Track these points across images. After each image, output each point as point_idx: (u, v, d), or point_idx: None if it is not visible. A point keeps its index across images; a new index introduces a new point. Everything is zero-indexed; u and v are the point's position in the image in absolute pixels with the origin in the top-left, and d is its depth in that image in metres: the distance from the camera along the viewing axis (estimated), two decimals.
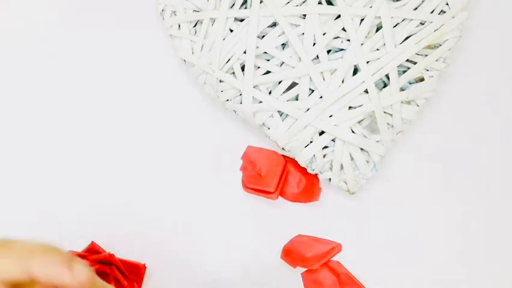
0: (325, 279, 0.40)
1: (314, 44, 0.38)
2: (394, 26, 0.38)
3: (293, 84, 0.39)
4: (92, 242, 0.40)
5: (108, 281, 0.39)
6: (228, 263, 0.41)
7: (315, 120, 0.38)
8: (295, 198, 0.41)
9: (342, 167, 0.39)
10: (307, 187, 0.41)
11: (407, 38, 0.38)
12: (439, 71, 0.39)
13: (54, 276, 0.24)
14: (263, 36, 0.39)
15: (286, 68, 0.38)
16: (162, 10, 0.41)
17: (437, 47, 0.39)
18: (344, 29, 0.38)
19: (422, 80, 0.39)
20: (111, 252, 0.39)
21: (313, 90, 0.38)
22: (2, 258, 0.24)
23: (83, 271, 0.25)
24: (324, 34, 0.38)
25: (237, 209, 0.42)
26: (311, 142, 0.39)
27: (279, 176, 0.41)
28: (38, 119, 0.43)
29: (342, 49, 0.38)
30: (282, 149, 0.39)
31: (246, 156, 0.42)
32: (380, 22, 0.38)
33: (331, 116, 0.38)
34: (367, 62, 0.38)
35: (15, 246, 0.25)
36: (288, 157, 0.41)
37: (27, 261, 0.24)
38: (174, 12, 0.41)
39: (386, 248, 0.41)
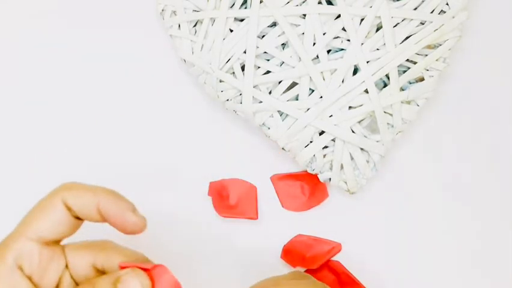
0: (325, 279, 0.40)
1: (314, 43, 0.38)
2: (394, 26, 0.38)
3: (293, 84, 0.39)
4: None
5: None
6: (228, 263, 0.41)
7: (315, 120, 0.38)
8: (307, 206, 0.41)
9: (342, 166, 0.39)
10: (313, 189, 0.41)
11: (407, 37, 0.38)
12: (439, 71, 0.39)
13: (121, 215, 0.28)
14: (263, 36, 0.39)
15: (286, 68, 0.38)
16: (162, 10, 0.41)
17: (437, 46, 0.39)
18: (344, 29, 0.38)
19: (422, 79, 0.39)
20: None
21: (313, 90, 0.38)
22: (80, 193, 0.28)
23: (143, 220, 0.29)
24: (324, 34, 0.38)
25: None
26: (311, 142, 0.39)
27: (255, 201, 0.41)
28: (38, 116, 0.43)
29: (342, 49, 0.38)
30: (282, 148, 0.39)
31: (212, 192, 0.41)
32: (380, 22, 0.38)
33: (331, 116, 0.38)
34: (367, 62, 0.38)
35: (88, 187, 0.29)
36: (277, 175, 0.42)
37: (100, 198, 0.28)
38: (174, 12, 0.41)
39: (386, 248, 0.41)
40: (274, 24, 0.39)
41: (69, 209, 0.28)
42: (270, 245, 0.41)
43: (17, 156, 0.42)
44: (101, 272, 0.29)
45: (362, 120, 0.38)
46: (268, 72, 0.39)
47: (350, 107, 0.38)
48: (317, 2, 0.38)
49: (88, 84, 0.43)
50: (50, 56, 0.43)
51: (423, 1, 0.38)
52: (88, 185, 0.29)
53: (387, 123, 0.38)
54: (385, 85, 0.39)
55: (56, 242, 0.29)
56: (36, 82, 0.43)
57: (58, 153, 0.42)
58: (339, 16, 0.38)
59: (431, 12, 0.38)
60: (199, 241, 0.41)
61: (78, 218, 0.29)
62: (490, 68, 0.43)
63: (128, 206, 0.29)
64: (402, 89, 0.38)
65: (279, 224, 0.41)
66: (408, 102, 0.39)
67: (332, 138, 0.38)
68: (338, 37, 0.38)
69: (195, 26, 0.40)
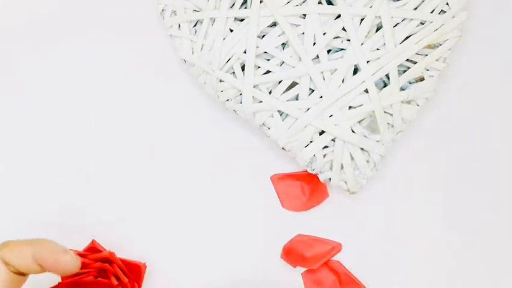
0: (325, 278, 0.40)
1: (314, 43, 0.38)
2: (394, 26, 0.38)
3: (293, 84, 0.39)
4: (93, 240, 0.40)
5: (108, 279, 0.39)
6: (228, 262, 0.41)
7: (315, 120, 0.38)
8: (307, 206, 0.41)
9: (342, 166, 0.39)
10: (313, 189, 0.41)
11: (407, 37, 0.38)
12: (439, 71, 0.39)
13: (54, 257, 0.30)
14: (263, 36, 0.39)
15: (287, 68, 0.38)
16: (162, 10, 0.41)
17: (437, 46, 0.39)
18: (344, 29, 0.38)
19: (422, 79, 0.39)
20: (111, 251, 0.39)
21: (313, 90, 0.38)
22: (15, 246, 0.30)
23: (75, 259, 0.30)
24: (324, 34, 0.38)
25: (236, 209, 0.42)
26: (311, 142, 0.39)
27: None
28: (38, 118, 0.43)
29: (342, 49, 0.38)
30: (282, 148, 0.39)
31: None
32: (380, 22, 0.38)
33: (331, 115, 0.38)
34: (367, 62, 0.38)
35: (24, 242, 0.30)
36: (277, 175, 0.42)
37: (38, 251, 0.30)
38: (174, 12, 0.41)
39: (386, 248, 0.41)
40: (274, 24, 0.39)
41: (7, 264, 0.30)
42: (270, 245, 0.41)
43: (18, 156, 0.42)
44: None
45: (362, 120, 0.38)
46: (268, 72, 0.39)
47: (350, 107, 0.38)
48: (317, 2, 0.38)
49: (87, 84, 0.43)
50: (50, 55, 0.43)
51: (423, 1, 0.38)
52: (21, 240, 0.31)
53: (387, 123, 0.38)
54: (385, 85, 0.39)
55: None
56: (36, 82, 0.43)
57: (58, 154, 0.42)
58: (339, 16, 0.38)
59: (431, 12, 0.38)
60: (199, 241, 0.41)
61: (19, 273, 0.30)
62: (490, 68, 0.43)
63: (60, 248, 0.30)
64: (402, 89, 0.38)
65: (279, 224, 0.41)
66: (408, 102, 0.39)
67: (332, 138, 0.38)
68: (338, 37, 0.38)
69: (195, 26, 0.40)
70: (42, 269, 0.30)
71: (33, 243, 0.30)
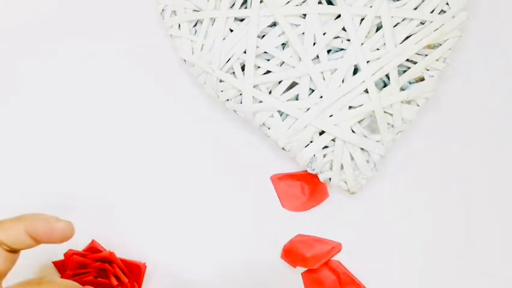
0: (325, 278, 0.40)
1: (314, 43, 0.38)
2: (394, 26, 0.38)
3: (293, 84, 0.39)
4: (93, 240, 0.40)
5: (108, 279, 0.39)
6: (228, 262, 0.41)
7: (315, 120, 0.38)
8: (307, 206, 0.41)
9: (342, 166, 0.39)
10: (313, 189, 0.41)
11: (407, 37, 0.38)
12: (439, 71, 0.39)
13: (48, 227, 0.30)
14: (263, 36, 0.39)
15: (287, 68, 0.38)
16: (162, 10, 0.41)
17: (437, 46, 0.39)
18: (344, 29, 0.38)
19: (422, 79, 0.39)
20: (111, 251, 0.39)
21: (313, 90, 0.38)
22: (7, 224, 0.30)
23: (69, 224, 0.30)
24: (324, 34, 0.38)
25: (236, 209, 0.42)
26: (311, 142, 0.39)
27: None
28: (38, 119, 0.43)
29: (342, 49, 0.38)
30: (282, 148, 0.39)
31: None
32: (380, 22, 0.38)
33: (331, 115, 0.38)
34: (367, 62, 0.38)
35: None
36: (277, 175, 0.42)
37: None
38: (174, 12, 0.41)
39: (386, 248, 0.41)
40: (274, 24, 0.39)
41: (1, 244, 0.30)
42: (270, 245, 0.41)
43: (18, 155, 0.42)
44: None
45: (362, 120, 0.38)
46: (268, 72, 0.39)
47: (350, 107, 0.38)
48: (317, 2, 0.38)
49: (87, 84, 0.43)
50: (50, 55, 0.43)
51: (423, 1, 0.38)
52: (11, 217, 0.31)
53: (387, 123, 0.38)
54: (385, 85, 0.39)
55: None
56: (36, 82, 0.43)
57: (58, 154, 0.42)
58: (339, 16, 0.38)
59: (431, 12, 0.38)
60: (198, 241, 0.41)
61: (12, 251, 0.30)
62: (490, 68, 0.43)
63: (51, 217, 0.30)
64: (402, 89, 0.38)
65: (279, 224, 0.41)
66: (409, 102, 0.39)
67: (332, 138, 0.38)
68: (338, 37, 0.38)
69: (195, 26, 0.40)
70: (36, 242, 0.30)
71: (24, 218, 0.30)
